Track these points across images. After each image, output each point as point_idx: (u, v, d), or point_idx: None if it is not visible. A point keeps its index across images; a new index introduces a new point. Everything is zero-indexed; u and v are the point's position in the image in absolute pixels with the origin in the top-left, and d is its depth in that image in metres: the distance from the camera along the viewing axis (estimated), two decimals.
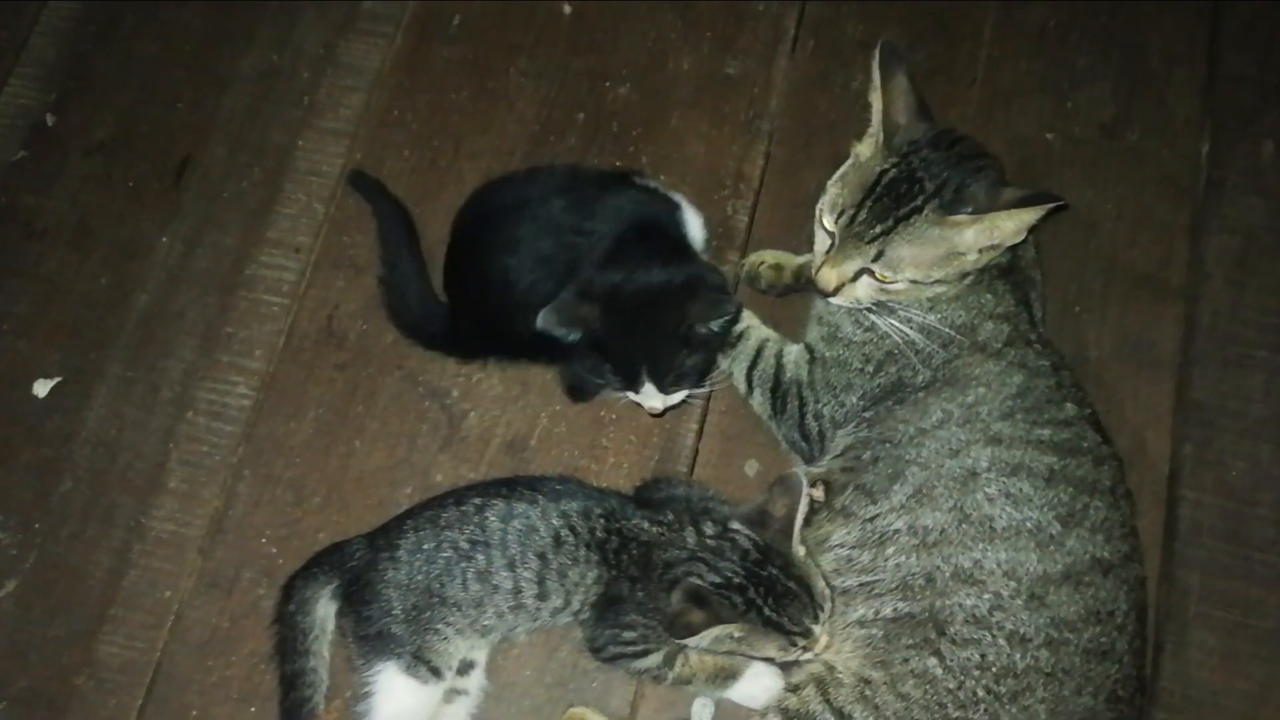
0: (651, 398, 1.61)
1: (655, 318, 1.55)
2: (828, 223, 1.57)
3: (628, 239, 1.63)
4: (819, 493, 1.60)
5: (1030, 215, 1.48)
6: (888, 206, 1.51)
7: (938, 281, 1.55)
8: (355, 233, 1.92)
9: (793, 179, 1.94)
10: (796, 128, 1.98)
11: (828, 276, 1.56)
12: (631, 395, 1.63)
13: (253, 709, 1.65)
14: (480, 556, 1.52)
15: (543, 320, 1.53)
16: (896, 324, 1.58)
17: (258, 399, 1.82)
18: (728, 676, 1.57)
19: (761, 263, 1.84)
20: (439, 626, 1.53)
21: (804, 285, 1.80)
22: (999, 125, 1.96)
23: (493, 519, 1.53)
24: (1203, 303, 1.86)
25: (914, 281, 1.54)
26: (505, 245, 1.67)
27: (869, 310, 1.59)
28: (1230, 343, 1.83)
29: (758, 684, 1.57)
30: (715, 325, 1.58)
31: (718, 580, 1.44)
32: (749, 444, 1.78)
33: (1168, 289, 1.86)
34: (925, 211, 1.50)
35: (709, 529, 1.50)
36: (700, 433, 1.80)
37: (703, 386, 1.66)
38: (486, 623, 1.54)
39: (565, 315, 1.54)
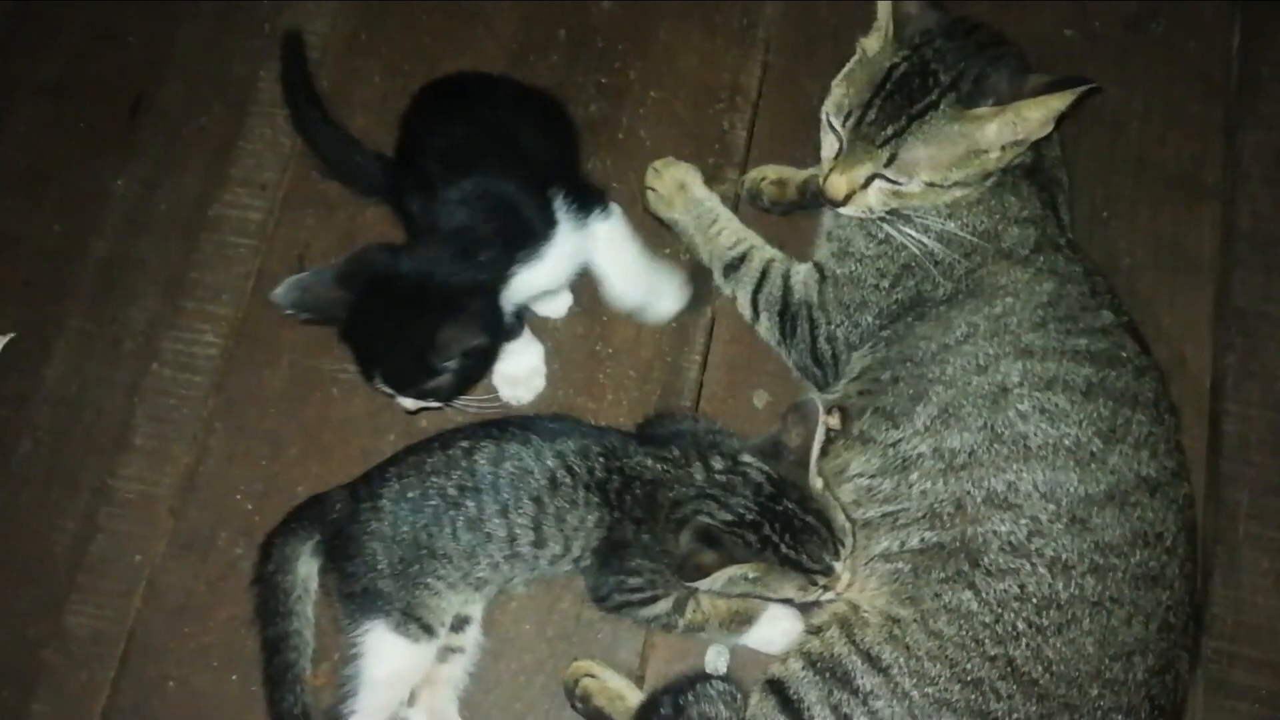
0: (398, 398, 1.46)
1: (400, 334, 1.38)
2: (835, 125, 1.45)
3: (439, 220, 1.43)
4: (835, 421, 1.49)
5: (1059, 102, 1.36)
6: (899, 104, 1.40)
7: (957, 184, 1.43)
8: None
9: (793, 90, 1.81)
10: (795, 35, 1.85)
11: (836, 184, 1.44)
12: None
13: (234, 676, 1.54)
14: (470, 503, 1.42)
15: (278, 294, 1.38)
16: (913, 233, 1.46)
17: (227, 347, 1.71)
18: (743, 621, 1.48)
19: (763, 179, 1.71)
20: (429, 580, 1.43)
21: (810, 201, 1.68)
22: (1013, 23, 1.77)
23: (482, 462, 1.43)
24: (1240, 203, 1.74)
25: (931, 185, 1.42)
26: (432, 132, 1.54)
27: (882, 220, 1.48)
28: (1272, 245, 1.72)
29: (776, 628, 1.47)
30: (452, 363, 1.41)
31: (729, 518, 1.34)
32: (757, 374, 1.67)
33: (1202, 190, 1.75)
34: (941, 107, 1.39)
35: (718, 464, 1.40)
36: (704, 364, 1.68)
37: (454, 403, 1.51)
38: (480, 575, 1.44)
39: (306, 296, 1.39)
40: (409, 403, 1.46)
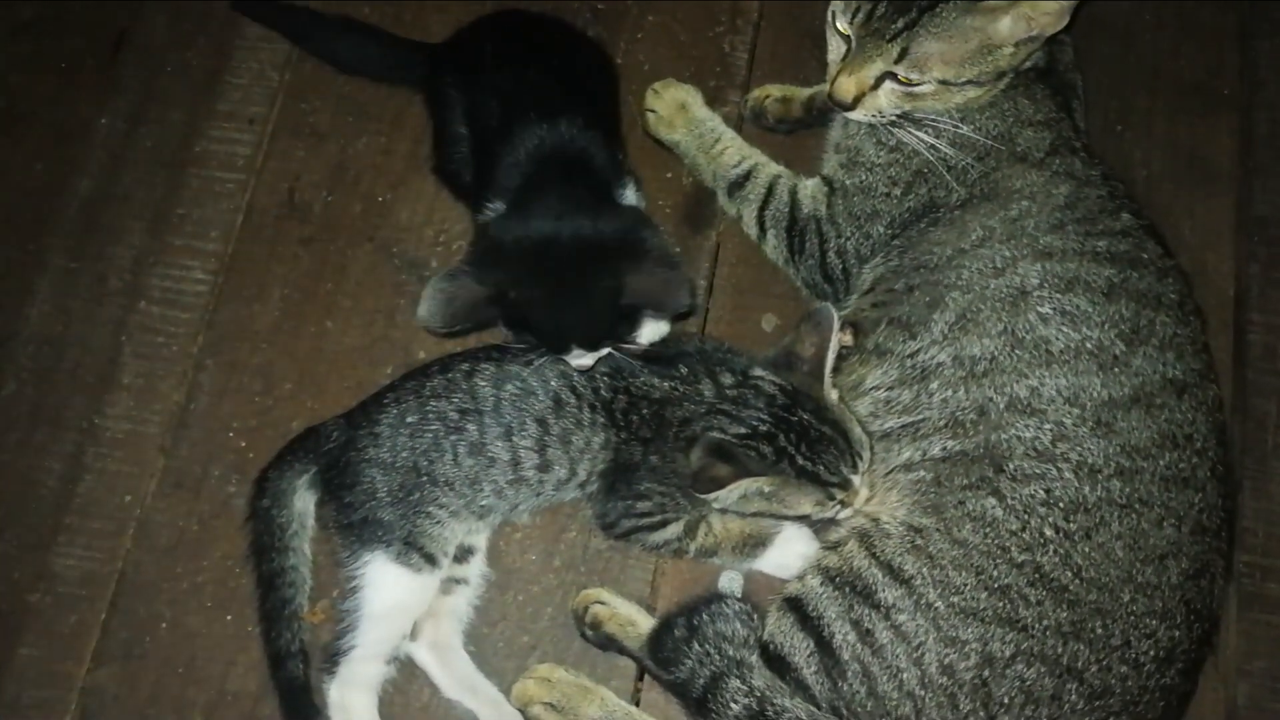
0: (581, 358, 1.37)
1: (587, 288, 1.30)
2: (842, 25, 1.40)
3: (545, 174, 1.39)
4: (847, 337, 1.44)
5: None
6: None
7: (970, 83, 1.39)
8: (315, 98, 1.74)
9: (793, 10, 1.77)
10: None
11: (845, 86, 1.39)
12: None
13: (229, 616, 1.48)
14: (472, 427, 1.36)
15: (426, 316, 1.29)
16: (925, 137, 1.41)
17: (216, 282, 1.65)
18: (756, 544, 1.43)
19: (767, 96, 1.67)
20: (430, 509, 1.38)
21: (815, 118, 1.64)
22: None
23: (483, 384, 1.38)
24: (1258, 111, 1.70)
25: (943, 83, 1.38)
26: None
27: (892, 125, 1.43)
28: None
29: (790, 550, 1.42)
30: (664, 313, 1.37)
31: (742, 430, 1.29)
32: (765, 296, 1.62)
33: (1219, 99, 1.71)
34: None
35: (727, 379, 1.36)
36: (710, 289, 1.63)
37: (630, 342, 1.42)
38: (484, 502, 1.39)
39: (458, 308, 1.29)
40: (588, 360, 1.36)
